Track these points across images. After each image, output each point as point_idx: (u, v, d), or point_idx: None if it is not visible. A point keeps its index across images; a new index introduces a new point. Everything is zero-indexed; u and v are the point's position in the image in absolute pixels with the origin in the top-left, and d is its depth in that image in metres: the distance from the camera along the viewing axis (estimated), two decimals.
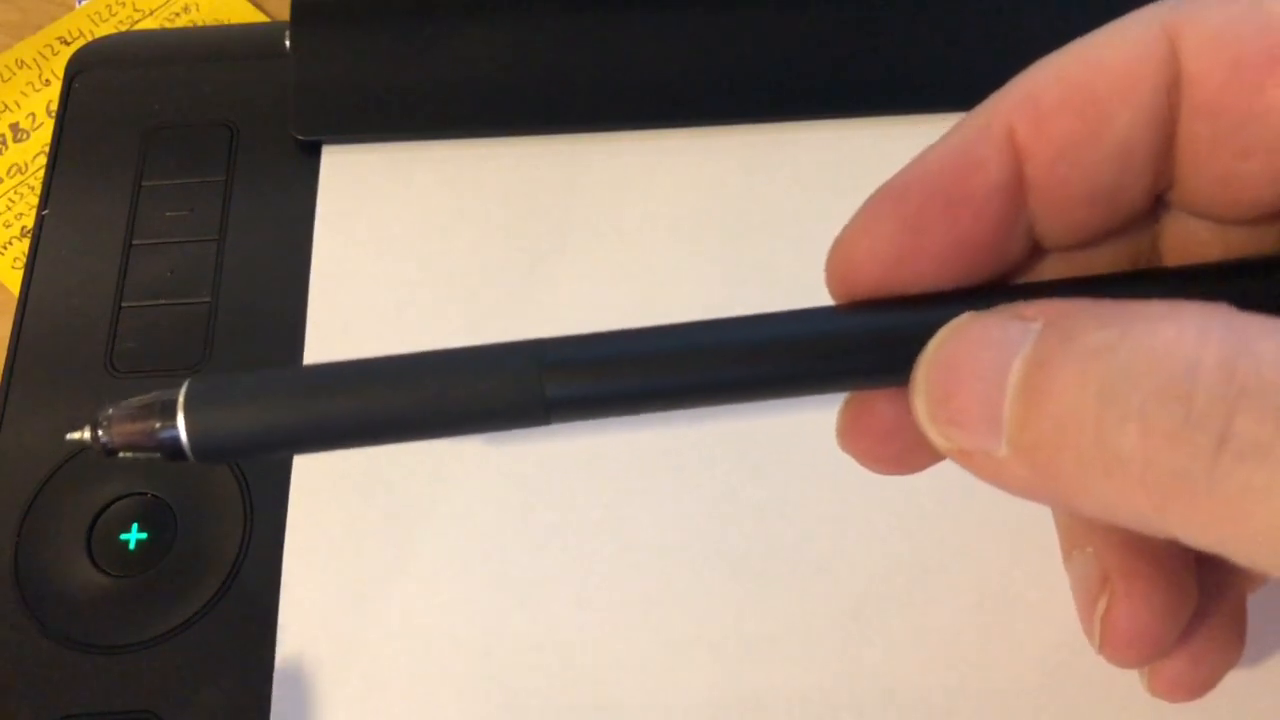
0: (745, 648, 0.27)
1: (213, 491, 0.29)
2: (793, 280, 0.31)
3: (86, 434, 0.19)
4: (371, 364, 0.19)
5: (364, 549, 0.28)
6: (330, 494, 0.29)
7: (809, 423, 0.29)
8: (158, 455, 0.19)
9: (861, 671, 0.27)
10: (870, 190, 0.19)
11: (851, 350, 0.18)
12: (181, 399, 0.19)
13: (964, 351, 0.17)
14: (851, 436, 0.20)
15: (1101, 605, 0.21)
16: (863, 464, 0.20)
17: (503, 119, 0.34)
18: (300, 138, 0.34)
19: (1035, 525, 0.28)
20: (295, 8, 0.35)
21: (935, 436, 0.17)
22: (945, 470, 0.29)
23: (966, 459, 0.17)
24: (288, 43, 0.34)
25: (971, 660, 0.27)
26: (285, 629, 0.27)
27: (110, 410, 0.19)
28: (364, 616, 0.27)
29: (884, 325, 0.18)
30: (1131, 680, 0.26)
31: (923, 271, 0.18)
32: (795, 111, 0.34)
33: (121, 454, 0.19)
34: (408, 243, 0.32)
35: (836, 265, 0.19)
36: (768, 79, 0.34)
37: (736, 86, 0.34)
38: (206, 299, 0.32)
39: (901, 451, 0.20)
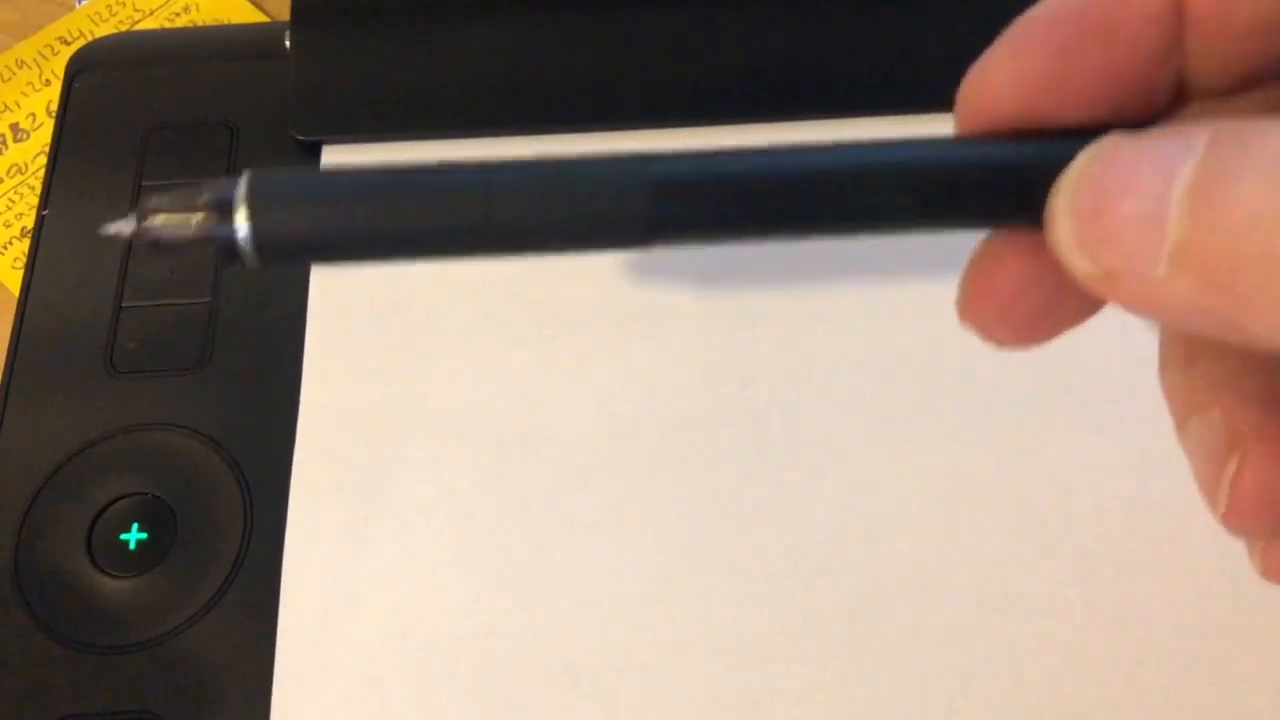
0: (745, 648, 0.27)
1: (213, 491, 0.29)
2: (792, 280, 0.31)
3: (127, 227, 0.17)
4: (457, 169, 0.17)
5: (364, 549, 0.28)
6: (330, 494, 0.29)
7: (809, 423, 0.29)
8: (210, 252, 0.17)
9: (861, 671, 0.27)
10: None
11: (987, 181, 0.17)
12: (243, 190, 0.17)
13: (1118, 166, 0.16)
14: (978, 298, 0.19)
15: (1231, 468, 0.19)
16: (986, 335, 0.19)
17: (503, 119, 0.34)
18: (300, 138, 0.34)
19: (1035, 525, 0.28)
20: (295, 8, 0.35)
21: (1080, 261, 0.16)
22: (946, 470, 0.29)
23: (1113, 285, 0.16)
24: (288, 43, 0.34)
25: (972, 660, 0.27)
26: (285, 629, 0.27)
27: (156, 201, 0.17)
28: (364, 616, 0.27)
29: (1024, 153, 0.17)
30: (1131, 681, 0.26)
31: (1066, 104, 0.17)
32: (795, 111, 0.34)
33: (167, 251, 0.17)
34: None
35: (973, 93, 0.18)
36: (768, 79, 0.34)
37: (736, 86, 0.34)
38: (206, 299, 0.32)
39: (1030, 315, 0.19)
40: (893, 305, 0.31)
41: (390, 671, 0.27)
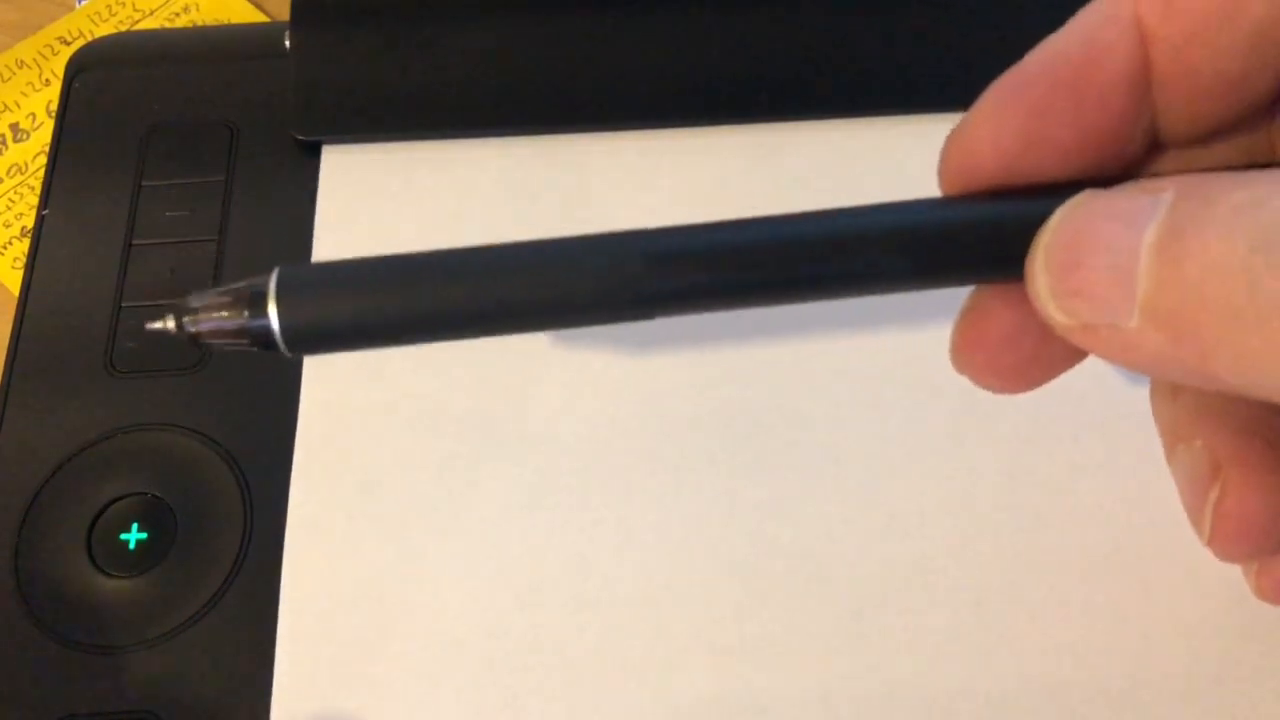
0: (745, 648, 0.27)
1: (213, 491, 0.29)
2: None
3: (170, 323, 0.19)
4: (468, 254, 0.18)
5: (364, 549, 0.28)
6: (330, 494, 0.29)
7: (809, 423, 0.29)
8: (245, 344, 0.18)
9: (861, 671, 0.27)
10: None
11: (970, 239, 0.18)
12: (273, 287, 0.18)
13: (1090, 223, 0.16)
14: (967, 349, 0.20)
15: (1213, 495, 0.20)
16: (979, 381, 0.20)
17: (503, 119, 0.34)
18: (300, 138, 0.34)
19: (1035, 525, 0.28)
20: (295, 8, 0.35)
21: (1056, 313, 0.17)
22: (945, 470, 0.29)
23: (1091, 336, 0.16)
24: (288, 43, 0.34)
25: (971, 660, 0.27)
26: (285, 629, 0.27)
27: (196, 298, 0.18)
28: (364, 616, 0.27)
29: (1004, 212, 0.18)
30: (1131, 681, 0.26)
31: (1044, 163, 0.18)
32: (795, 111, 0.34)
33: (208, 342, 0.18)
34: (408, 243, 0.32)
35: (954, 156, 0.19)
36: (768, 79, 0.34)
37: (736, 86, 0.34)
38: None
39: (1020, 362, 0.19)
40: (893, 305, 0.31)
41: (390, 671, 0.27)
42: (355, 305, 0.18)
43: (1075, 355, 0.20)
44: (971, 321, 0.20)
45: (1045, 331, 0.18)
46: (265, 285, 0.18)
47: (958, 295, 0.32)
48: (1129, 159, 0.19)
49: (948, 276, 0.18)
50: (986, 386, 0.20)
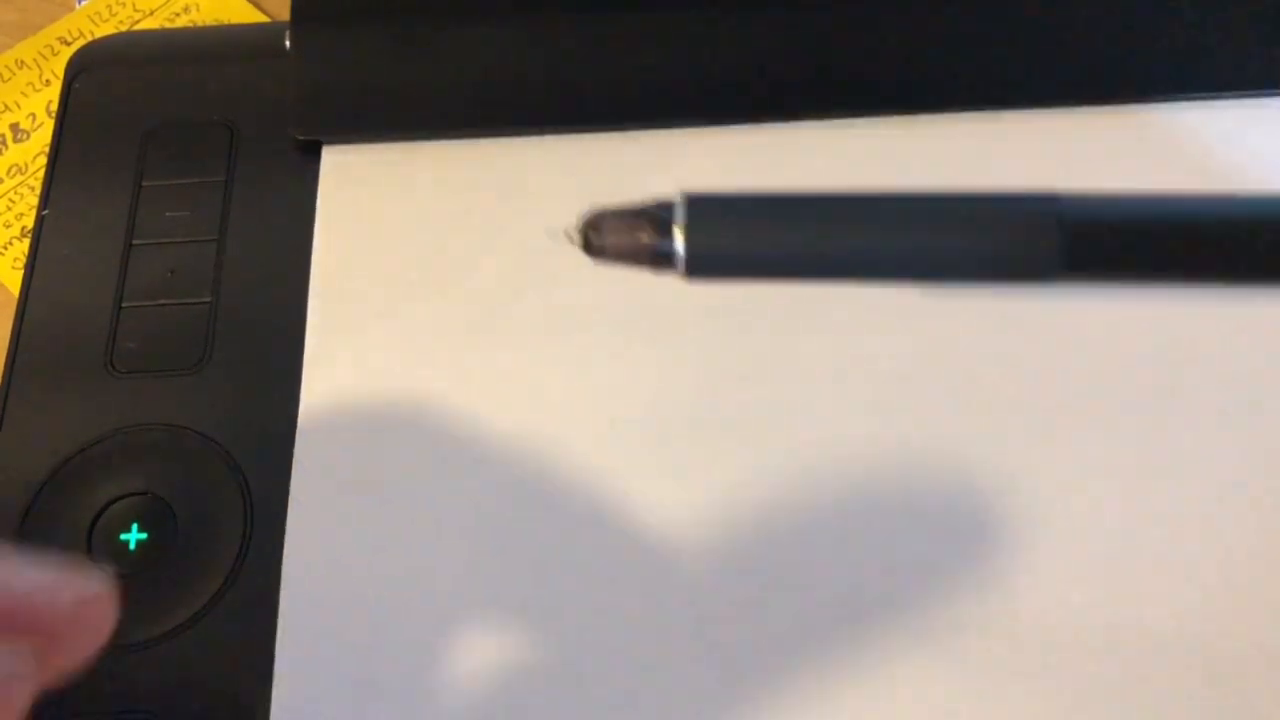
0: (745, 648, 0.27)
1: (213, 491, 0.29)
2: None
3: (575, 236, 0.20)
4: (873, 199, 0.18)
5: (364, 549, 0.28)
6: (330, 494, 0.29)
7: (809, 423, 0.29)
8: (645, 264, 0.19)
9: (861, 671, 0.27)
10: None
11: None
12: (681, 213, 0.19)
13: None
14: None
15: None
16: None
17: (503, 119, 0.34)
18: (300, 138, 0.34)
19: (1035, 525, 0.28)
20: (295, 8, 0.35)
21: None
22: (945, 470, 0.29)
23: None
24: (288, 43, 0.34)
25: (971, 660, 0.27)
26: (285, 629, 0.27)
27: (606, 215, 0.20)
28: (364, 616, 0.27)
29: None
30: (1132, 681, 0.26)
31: None
32: (796, 111, 0.34)
33: (609, 260, 0.20)
34: (408, 243, 0.32)
35: None
36: (771, 79, 0.34)
37: (738, 86, 0.34)
38: (206, 299, 0.32)
39: None
40: (893, 305, 0.31)
41: (390, 671, 0.27)
42: (759, 239, 0.19)
43: None
44: None
45: None
46: (674, 211, 0.19)
47: (959, 296, 0.32)
48: None
49: None
50: None
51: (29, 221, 0.35)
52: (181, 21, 0.39)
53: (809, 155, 0.33)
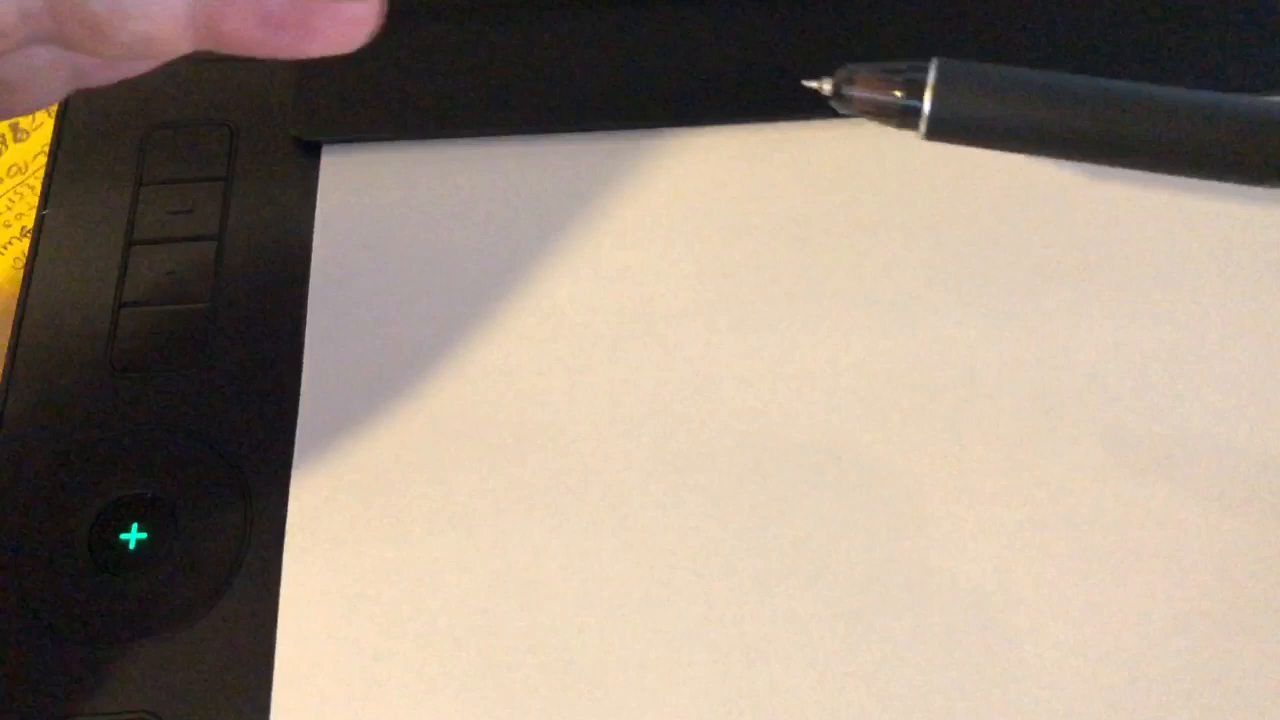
0: (745, 648, 0.27)
1: (213, 491, 0.29)
2: (792, 280, 0.31)
3: (827, 85, 0.22)
4: (1124, 89, 0.20)
5: (364, 549, 0.28)
6: (330, 494, 0.29)
7: (809, 423, 0.29)
8: (889, 120, 0.21)
9: (861, 672, 0.27)
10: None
11: None
12: (932, 77, 0.21)
13: None
14: None
15: None
16: None
17: (502, 119, 0.34)
18: (300, 138, 0.34)
19: (1035, 525, 0.28)
20: None
21: None
22: (945, 470, 0.29)
23: None
24: None
25: (971, 660, 0.27)
26: (285, 629, 0.27)
27: (858, 69, 0.21)
28: (364, 616, 0.27)
29: None
30: (1132, 683, 0.26)
31: None
32: (795, 111, 0.34)
33: (854, 111, 0.22)
34: (408, 243, 0.32)
35: None
36: (767, 79, 0.34)
37: (737, 86, 0.34)
38: (206, 299, 0.32)
39: None
40: (893, 305, 0.31)
41: (390, 671, 0.27)
42: (1001, 109, 0.20)
43: None
44: None
45: None
46: (925, 74, 0.21)
47: (957, 296, 0.32)
48: None
49: None
50: None
51: (29, 221, 0.35)
52: None
53: (807, 154, 0.33)
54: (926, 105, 0.21)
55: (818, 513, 0.28)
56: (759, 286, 0.31)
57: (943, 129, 0.21)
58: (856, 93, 0.22)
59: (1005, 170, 0.32)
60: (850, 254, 0.32)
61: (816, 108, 0.34)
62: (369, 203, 0.33)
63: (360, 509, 0.29)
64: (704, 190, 0.33)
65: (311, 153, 0.34)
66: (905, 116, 0.21)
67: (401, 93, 0.34)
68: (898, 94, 0.21)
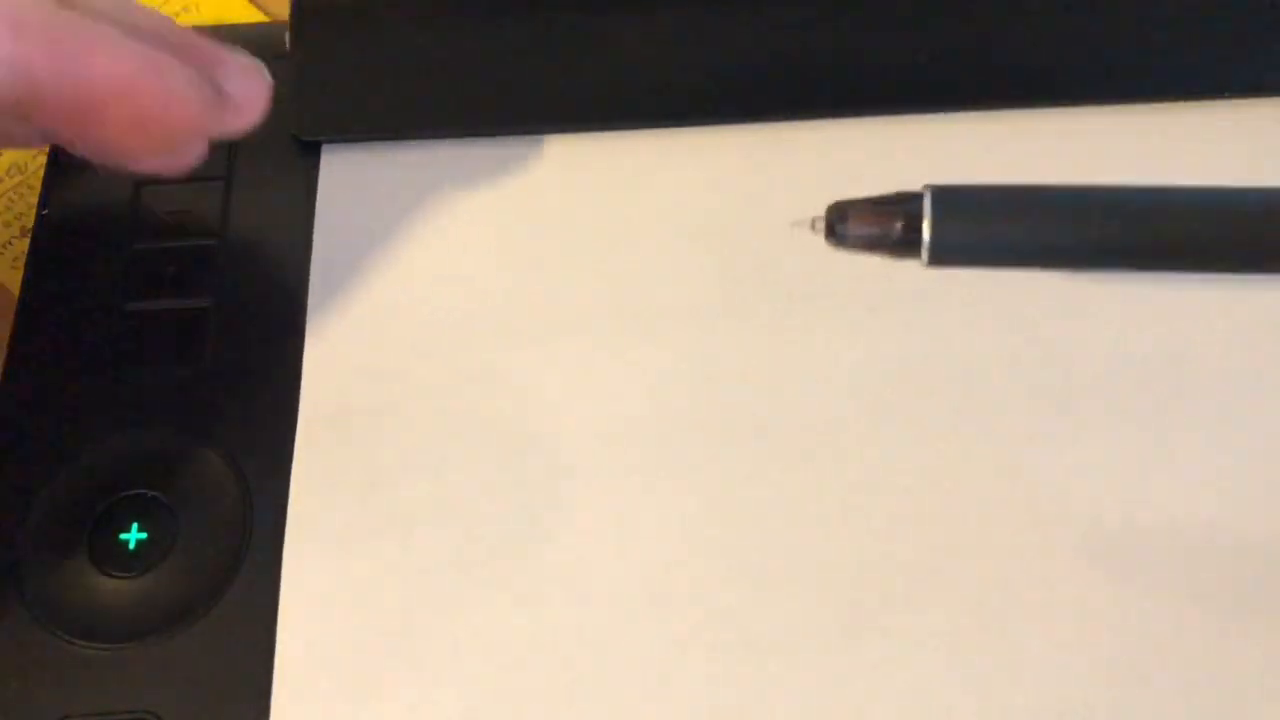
0: (746, 648, 0.27)
1: (213, 491, 0.29)
2: (793, 280, 0.31)
3: (820, 227, 0.22)
4: (1136, 194, 0.20)
5: (364, 549, 0.28)
6: (330, 494, 0.29)
7: (809, 423, 0.29)
8: (888, 253, 0.21)
9: (861, 672, 0.27)
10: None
11: None
12: (928, 207, 0.20)
13: None
14: None
15: None
16: None
17: (501, 119, 0.34)
18: (300, 138, 0.34)
19: (1035, 525, 0.28)
20: (295, 8, 0.35)
21: None
22: (945, 470, 0.29)
23: None
24: (288, 43, 0.34)
25: (971, 660, 0.27)
26: (285, 629, 0.27)
27: (852, 205, 0.21)
28: (364, 617, 0.27)
29: None
30: (1133, 683, 0.26)
31: None
32: (795, 111, 0.34)
33: (851, 247, 0.22)
34: (408, 243, 0.32)
35: None
36: (768, 79, 0.34)
37: (736, 86, 0.34)
38: (206, 299, 0.32)
39: None
40: (893, 306, 0.31)
41: (390, 671, 0.27)
42: (1001, 231, 0.20)
43: None
44: None
45: None
46: (921, 205, 0.20)
47: (958, 295, 0.32)
48: None
49: None
50: None
51: (29, 221, 0.35)
52: (181, 21, 0.39)
53: (807, 155, 0.33)
54: (926, 235, 0.21)
55: (818, 512, 0.28)
56: (759, 286, 0.31)
57: (945, 256, 0.21)
58: (851, 230, 0.22)
59: (1006, 170, 0.32)
60: (850, 254, 0.32)
61: (817, 108, 0.34)
62: (369, 203, 0.33)
63: (360, 509, 0.29)
64: (704, 189, 0.33)
65: (311, 153, 0.34)
66: (905, 248, 0.21)
67: (401, 93, 0.34)
68: (896, 226, 0.21)
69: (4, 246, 0.35)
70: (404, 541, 0.28)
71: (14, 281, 0.34)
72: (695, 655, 0.27)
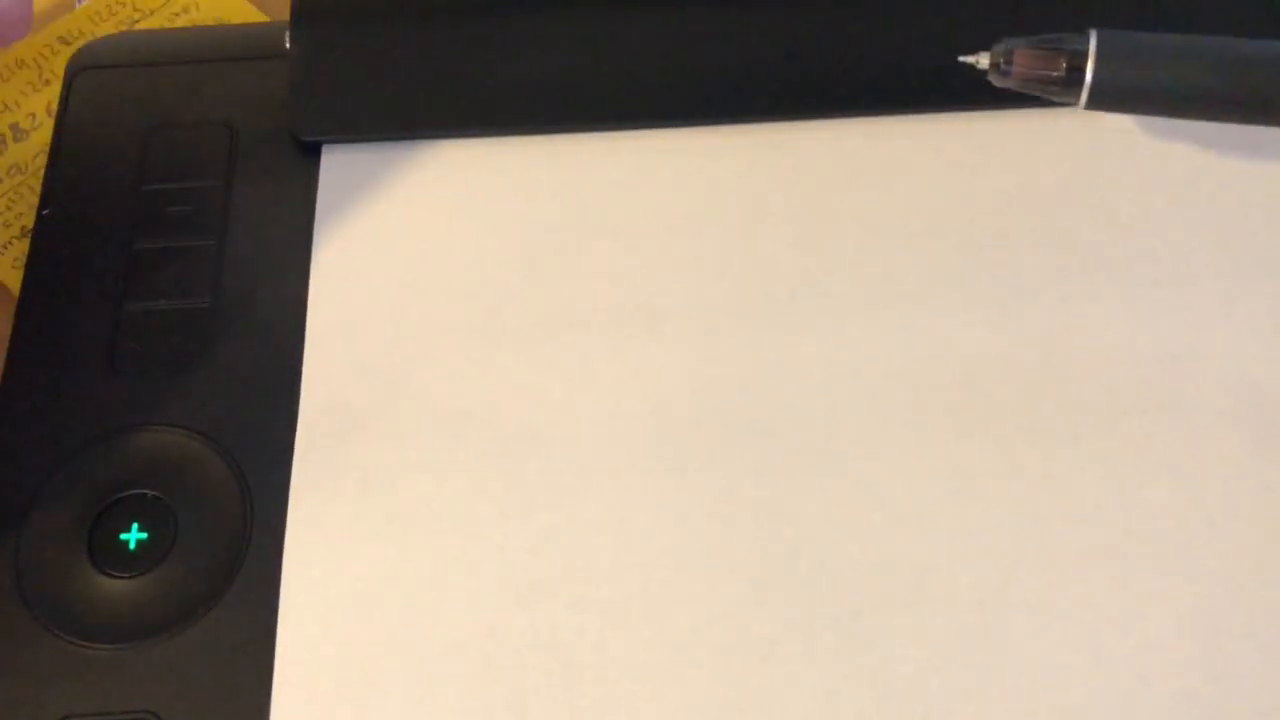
0: (745, 648, 0.27)
1: (213, 491, 0.29)
2: (793, 280, 0.31)
3: (984, 59, 0.23)
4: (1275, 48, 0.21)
5: (364, 549, 0.28)
6: (330, 494, 0.29)
7: (809, 423, 0.29)
8: (1047, 90, 0.22)
9: (862, 672, 0.27)
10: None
11: None
12: (1093, 48, 0.22)
13: None
14: None
15: None
16: None
17: (502, 119, 0.34)
18: (300, 138, 0.34)
19: (1035, 525, 0.28)
20: (295, 8, 0.35)
21: None
22: (946, 470, 0.29)
23: None
24: (288, 43, 0.34)
25: (971, 660, 0.27)
26: (285, 629, 0.27)
27: (1016, 43, 0.23)
28: (364, 616, 0.27)
29: None
30: (1133, 683, 0.26)
31: None
32: (795, 111, 0.34)
33: (1015, 83, 0.23)
34: (408, 243, 0.32)
35: None
36: (768, 79, 0.34)
37: (736, 86, 0.34)
38: (206, 299, 0.32)
39: None
40: (893, 306, 0.31)
41: (390, 671, 0.27)
42: (1158, 77, 0.21)
43: None
44: None
45: None
46: (1085, 45, 0.22)
47: (958, 295, 0.32)
48: None
49: None
50: None
51: (29, 221, 0.35)
52: (181, 21, 0.39)
53: (807, 155, 0.33)
54: (1089, 76, 0.22)
55: (818, 512, 0.28)
56: (759, 286, 0.31)
57: (1102, 98, 0.22)
58: (1016, 67, 0.23)
59: (1006, 170, 0.32)
60: (850, 254, 0.32)
61: (816, 108, 0.34)
62: (369, 203, 0.33)
63: (360, 509, 0.29)
64: (704, 189, 0.33)
65: (311, 153, 0.34)
66: (1066, 87, 0.22)
67: (401, 93, 0.34)
68: (1060, 65, 0.22)
69: (4, 246, 0.35)
70: (404, 541, 0.28)
71: (14, 281, 0.34)
72: (695, 655, 0.27)
